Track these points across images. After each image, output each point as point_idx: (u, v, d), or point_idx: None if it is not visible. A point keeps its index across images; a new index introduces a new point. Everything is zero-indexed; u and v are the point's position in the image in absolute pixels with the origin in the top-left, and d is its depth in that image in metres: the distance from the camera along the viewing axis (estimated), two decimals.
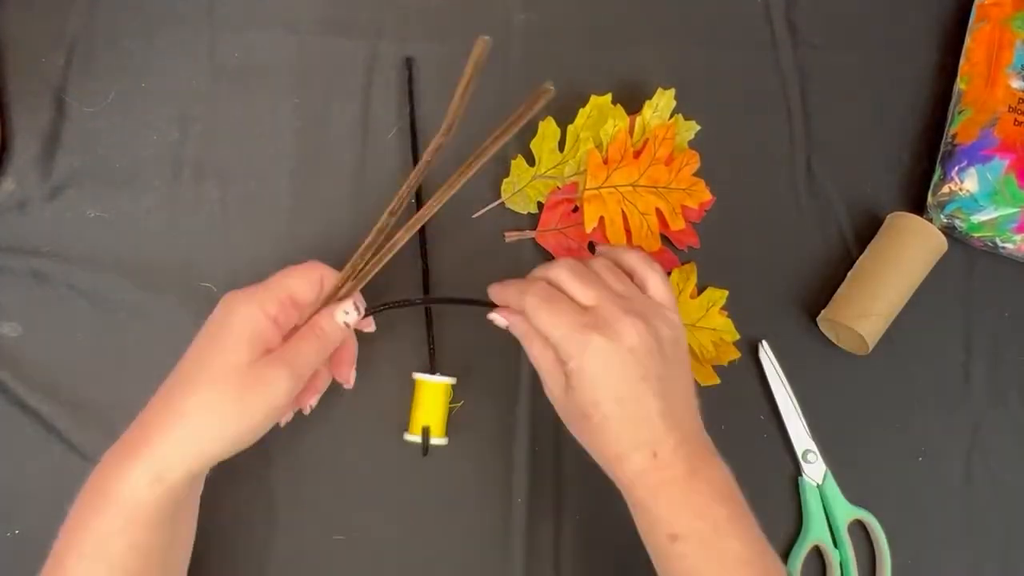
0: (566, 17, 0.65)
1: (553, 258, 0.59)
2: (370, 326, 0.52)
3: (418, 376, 0.55)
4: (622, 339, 0.44)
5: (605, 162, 0.59)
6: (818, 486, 0.57)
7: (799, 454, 0.58)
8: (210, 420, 0.42)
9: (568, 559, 0.56)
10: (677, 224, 0.59)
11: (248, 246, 0.58)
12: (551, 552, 0.56)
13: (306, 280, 0.46)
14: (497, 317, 0.49)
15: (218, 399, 0.41)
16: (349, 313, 0.47)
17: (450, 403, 0.56)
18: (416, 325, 0.57)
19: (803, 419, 0.58)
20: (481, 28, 0.64)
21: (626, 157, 0.59)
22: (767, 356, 0.59)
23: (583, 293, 0.46)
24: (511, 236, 0.60)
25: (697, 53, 0.65)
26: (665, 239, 0.60)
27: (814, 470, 0.58)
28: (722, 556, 0.43)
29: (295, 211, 0.59)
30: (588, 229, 0.58)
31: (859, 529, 0.58)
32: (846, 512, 0.57)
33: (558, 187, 0.60)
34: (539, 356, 0.47)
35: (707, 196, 0.60)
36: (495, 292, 0.50)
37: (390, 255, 0.49)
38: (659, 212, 0.59)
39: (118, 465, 0.41)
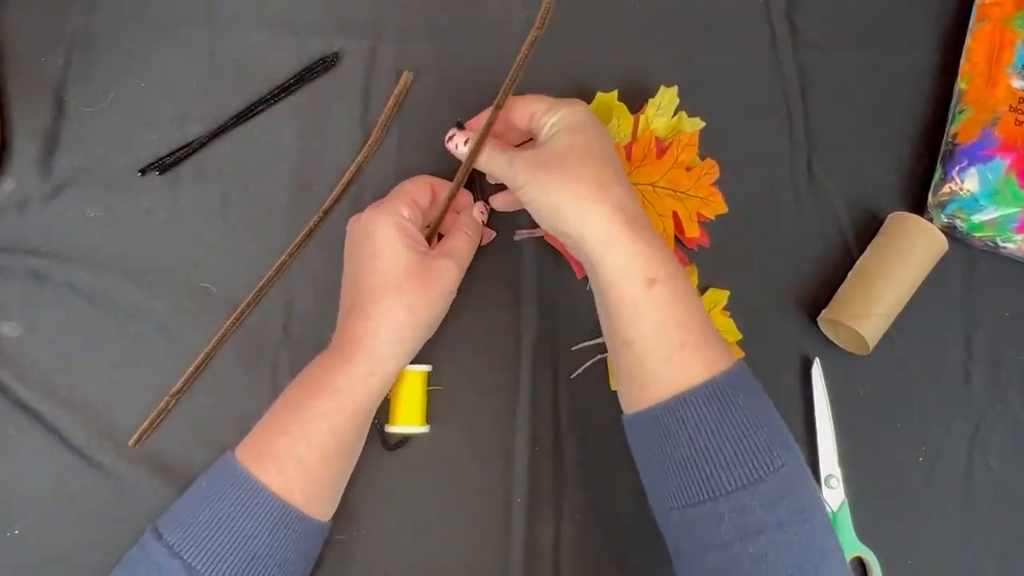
0: (566, 17, 0.65)
1: (560, 256, 0.59)
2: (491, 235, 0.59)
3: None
4: (579, 106, 0.51)
5: (628, 159, 0.59)
6: (833, 513, 0.57)
7: (823, 477, 0.58)
8: (404, 316, 0.48)
9: (568, 559, 0.55)
10: (692, 231, 0.59)
11: (248, 246, 0.58)
12: (551, 552, 0.55)
13: (419, 186, 0.54)
14: (457, 135, 0.52)
15: (407, 296, 0.48)
16: (484, 213, 0.57)
17: (428, 389, 0.56)
18: None
19: (836, 444, 0.58)
20: (481, 28, 0.64)
21: (649, 156, 0.59)
22: (818, 375, 0.59)
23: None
24: (521, 234, 0.60)
25: (697, 53, 0.65)
26: (676, 239, 0.60)
27: (833, 496, 0.58)
28: (691, 304, 0.46)
29: (295, 211, 0.59)
30: None
31: (859, 567, 0.57)
32: (851, 547, 0.57)
33: None
34: (499, 147, 0.51)
35: (723, 208, 0.60)
36: (471, 122, 0.54)
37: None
38: (675, 216, 0.59)
39: (335, 366, 0.48)
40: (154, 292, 0.57)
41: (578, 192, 0.47)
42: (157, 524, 0.45)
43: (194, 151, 0.59)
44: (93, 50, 0.60)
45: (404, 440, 0.56)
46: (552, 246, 0.60)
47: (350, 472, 0.51)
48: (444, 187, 0.55)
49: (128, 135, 0.59)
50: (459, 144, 0.52)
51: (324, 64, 0.61)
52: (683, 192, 0.60)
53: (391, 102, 0.60)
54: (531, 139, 0.55)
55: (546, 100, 0.52)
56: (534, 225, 0.60)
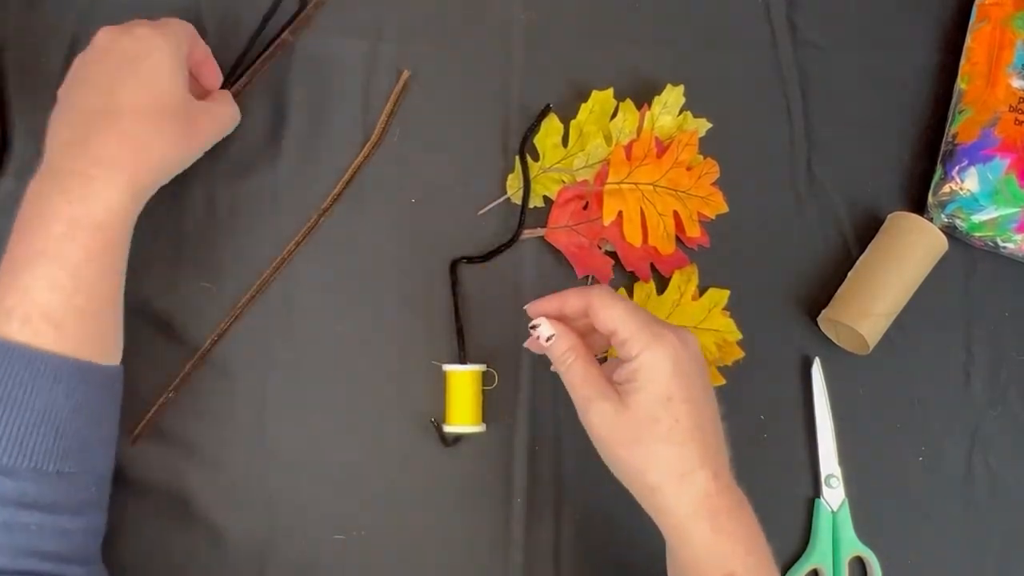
0: (567, 17, 0.65)
1: (562, 256, 0.59)
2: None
3: (448, 368, 0.55)
4: (688, 343, 0.44)
5: (628, 158, 0.59)
6: (832, 513, 0.57)
7: (822, 476, 0.58)
8: (156, 138, 0.46)
9: (568, 559, 0.56)
10: (693, 231, 0.59)
11: (248, 246, 0.58)
12: (551, 552, 0.56)
13: (191, 33, 0.51)
14: (544, 326, 0.46)
15: (161, 122, 0.46)
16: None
17: (484, 387, 0.56)
18: (418, 317, 0.57)
19: (836, 444, 0.58)
20: (481, 28, 0.64)
21: (649, 156, 0.59)
22: (818, 374, 0.59)
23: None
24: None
25: (697, 53, 0.65)
26: (677, 239, 0.60)
27: (833, 496, 0.58)
28: None
29: (295, 211, 0.59)
30: (607, 222, 0.58)
31: (858, 567, 0.58)
32: (851, 546, 0.57)
33: (563, 183, 0.60)
34: (582, 371, 0.44)
35: (723, 207, 0.60)
36: (538, 304, 0.48)
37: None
38: (676, 215, 0.59)
39: (88, 198, 0.43)
40: (154, 292, 0.57)
41: (656, 482, 0.42)
42: None
43: None
44: None
45: (459, 437, 0.56)
46: (553, 245, 0.60)
47: (121, 306, 0.47)
48: (207, 57, 0.54)
49: None
50: (544, 337, 0.46)
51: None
52: (684, 191, 0.60)
53: (391, 101, 0.60)
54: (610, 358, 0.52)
55: (630, 323, 0.43)
56: (535, 225, 0.60)
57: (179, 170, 0.49)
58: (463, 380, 0.55)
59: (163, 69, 0.47)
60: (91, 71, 0.47)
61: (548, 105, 0.61)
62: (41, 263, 0.42)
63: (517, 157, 0.60)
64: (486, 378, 0.56)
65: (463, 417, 0.55)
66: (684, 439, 0.42)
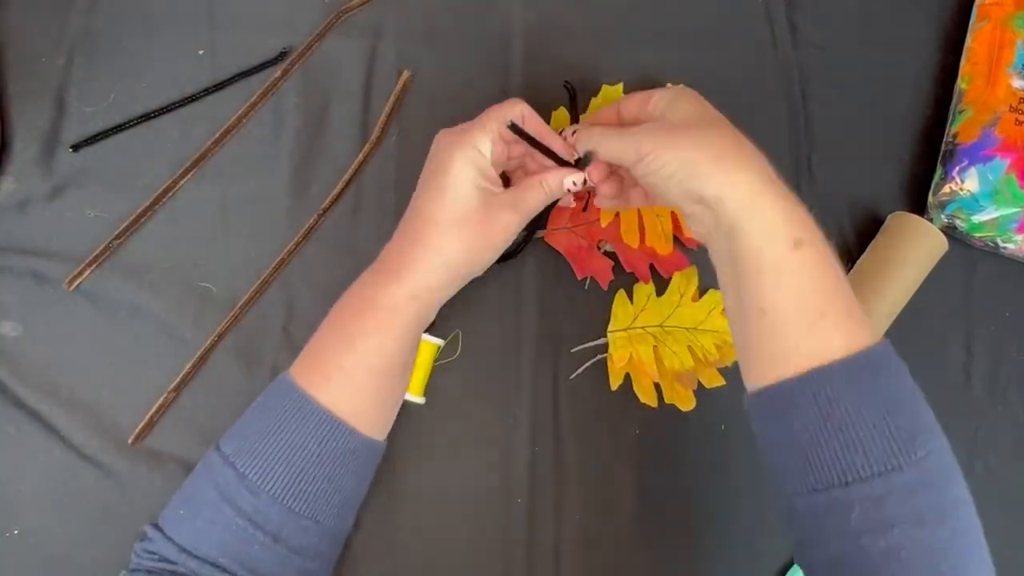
0: (566, 17, 0.65)
1: (563, 257, 0.59)
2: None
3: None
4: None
5: None
6: None
7: None
8: (459, 252, 0.48)
9: (568, 559, 0.55)
10: (689, 232, 0.59)
11: (248, 246, 0.58)
12: (551, 552, 0.55)
13: (510, 115, 0.50)
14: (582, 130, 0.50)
15: (465, 235, 0.48)
16: (576, 184, 0.51)
17: (436, 362, 0.56)
18: None
19: None
20: (481, 28, 0.64)
21: None
22: None
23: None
24: (568, 132, 0.59)
25: (697, 53, 0.65)
26: (675, 239, 0.60)
27: None
28: (835, 266, 0.43)
29: (295, 211, 0.59)
30: (604, 223, 0.58)
31: None
32: None
33: None
34: (610, 133, 0.48)
35: None
36: (590, 126, 0.51)
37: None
38: (674, 216, 0.59)
39: (381, 286, 0.48)
40: (154, 292, 0.57)
41: (716, 152, 0.44)
42: (220, 440, 0.46)
43: (125, 128, 0.59)
44: (93, 50, 0.60)
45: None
46: (553, 247, 0.60)
47: (399, 397, 0.51)
48: (536, 120, 0.51)
49: (128, 135, 0.59)
50: (567, 135, 0.51)
51: (274, 60, 0.61)
52: None
53: (390, 101, 0.60)
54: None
55: (647, 92, 0.50)
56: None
57: (479, 269, 0.51)
58: (421, 349, 0.54)
59: (454, 183, 0.48)
60: (422, 173, 0.51)
61: (571, 86, 0.59)
62: (331, 331, 0.48)
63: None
64: (446, 351, 0.56)
65: (410, 386, 0.54)
66: (724, 125, 0.47)
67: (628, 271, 0.59)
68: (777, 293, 0.42)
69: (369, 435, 0.47)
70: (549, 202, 0.52)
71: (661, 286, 0.60)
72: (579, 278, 0.59)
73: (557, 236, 0.60)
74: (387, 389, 0.49)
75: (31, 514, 0.53)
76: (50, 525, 0.53)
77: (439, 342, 0.55)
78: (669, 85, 0.50)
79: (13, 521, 0.52)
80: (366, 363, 0.47)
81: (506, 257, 0.57)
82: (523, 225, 0.51)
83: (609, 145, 0.48)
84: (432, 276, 0.48)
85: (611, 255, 0.60)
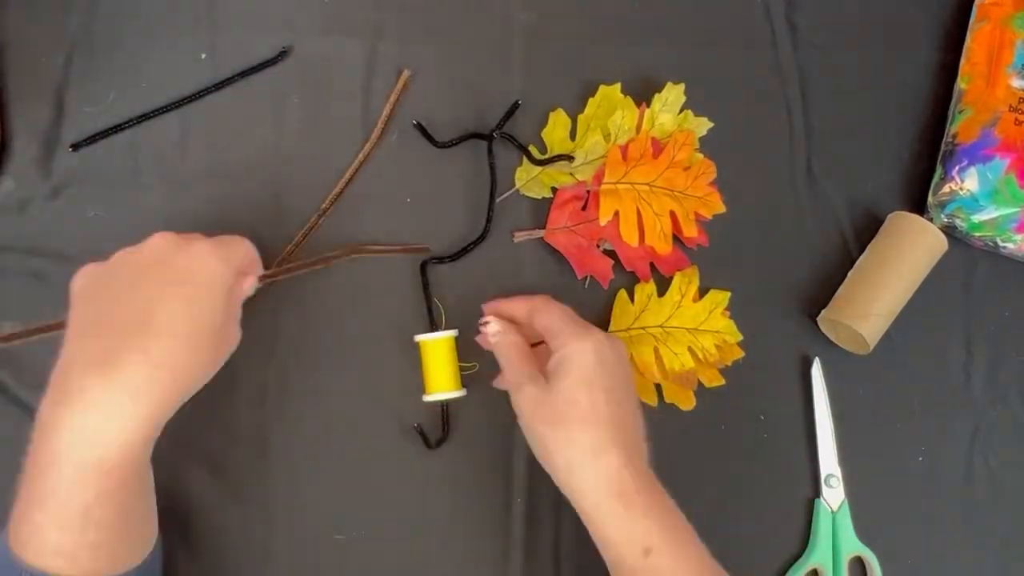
0: (566, 17, 0.65)
1: (562, 257, 0.59)
2: None
3: (420, 337, 0.55)
4: (615, 344, 0.50)
5: (625, 158, 0.59)
6: (832, 513, 0.57)
7: (822, 476, 0.58)
8: (190, 370, 0.43)
9: (568, 559, 0.55)
10: (691, 231, 0.59)
11: None
12: (551, 552, 0.55)
13: (251, 251, 0.50)
14: (492, 323, 0.52)
15: (199, 351, 0.43)
16: (254, 286, 0.50)
17: (460, 361, 0.56)
18: (420, 317, 0.57)
19: (836, 444, 0.58)
20: (481, 28, 0.64)
21: (645, 156, 0.59)
22: (818, 375, 0.59)
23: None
24: (519, 236, 0.60)
25: (697, 53, 0.65)
26: (674, 238, 0.60)
27: (833, 496, 0.58)
28: (691, 564, 0.44)
29: (295, 211, 0.59)
30: (603, 222, 0.58)
31: (858, 567, 0.58)
32: (851, 546, 0.57)
33: (554, 188, 0.60)
34: (517, 360, 0.50)
35: (721, 208, 0.60)
36: (493, 305, 0.54)
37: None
38: (673, 215, 0.59)
39: (106, 422, 0.40)
40: None
41: (571, 459, 0.45)
42: None
43: (125, 128, 0.59)
44: (93, 50, 0.60)
45: (445, 438, 0.56)
46: (553, 247, 0.60)
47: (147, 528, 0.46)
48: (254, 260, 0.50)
49: (128, 135, 0.59)
50: (490, 332, 0.52)
51: (274, 59, 0.61)
52: (680, 192, 0.60)
53: (390, 101, 0.60)
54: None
55: (560, 321, 0.49)
56: (534, 227, 0.60)
57: (197, 389, 0.45)
58: (436, 348, 0.55)
59: (212, 296, 0.44)
60: (133, 279, 0.43)
61: (517, 102, 0.61)
62: (50, 504, 0.40)
63: (522, 153, 0.60)
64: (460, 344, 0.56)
65: (441, 384, 0.54)
66: (600, 421, 0.46)
67: (628, 270, 0.59)
68: None
69: (131, 564, 0.43)
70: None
71: (662, 286, 0.60)
72: (579, 277, 0.59)
73: (557, 236, 0.59)
74: (138, 528, 0.44)
75: None
76: None
77: (453, 333, 0.55)
78: (569, 329, 0.49)
79: None
80: (109, 527, 0.41)
81: (460, 254, 0.58)
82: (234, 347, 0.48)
83: (505, 374, 0.51)
84: (165, 406, 0.43)
85: (611, 254, 0.60)
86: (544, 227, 0.60)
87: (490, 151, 0.60)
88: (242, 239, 0.49)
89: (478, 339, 0.54)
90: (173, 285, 0.43)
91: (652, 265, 0.60)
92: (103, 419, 0.40)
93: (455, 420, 0.57)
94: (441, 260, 0.58)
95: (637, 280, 0.60)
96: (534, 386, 0.48)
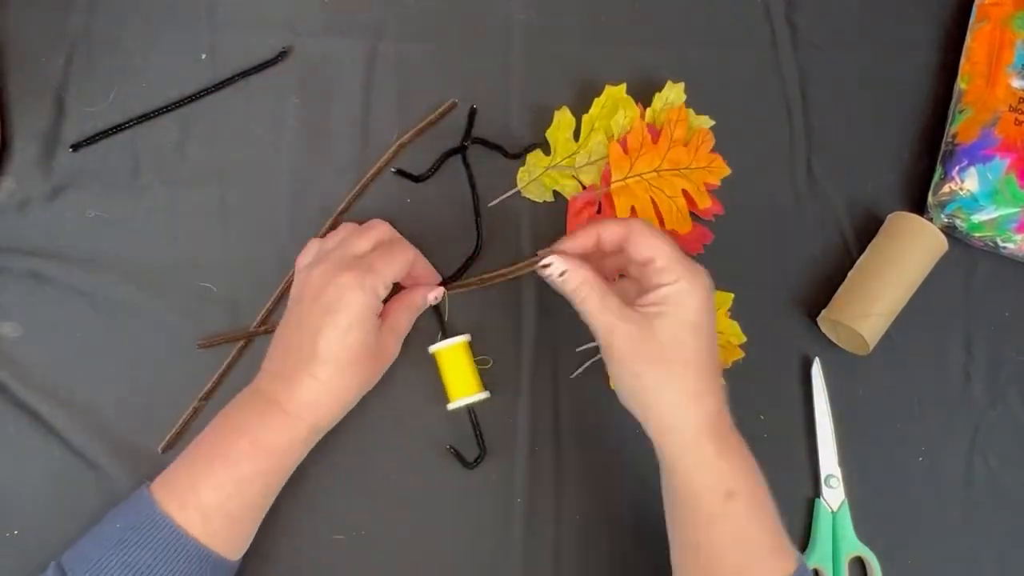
0: (566, 17, 0.65)
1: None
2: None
3: (434, 348, 0.55)
4: (711, 286, 0.47)
5: (626, 151, 0.59)
6: (832, 513, 0.57)
7: (822, 476, 0.58)
8: (356, 388, 0.50)
9: (568, 559, 0.55)
10: (704, 202, 0.59)
11: (248, 246, 0.58)
12: (551, 552, 0.55)
13: (403, 266, 0.52)
14: (556, 263, 0.47)
15: (363, 372, 0.50)
16: (437, 298, 0.55)
17: (476, 359, 0.56)
18: (422, 315, 0.57)
19: (836, 444, 0.58)
20: (481, 28, 0.64)
21: (645, 144, 0.59)
22: (818, 375, 0.59)
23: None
24: (543, 253, 0.59)
25: (697, 53, 0.65)
26: (692, 216, 0.61)
27: (833, 496, 0.58)
28: (763, 517, 0.45)
29: (295, 211, 0.59)
30: None
31: (858, 567, 0.58)
32: (851, 546, 0.57)
33: (556, 191, 0.60)
34: (601, 297, 0.45)
35: (726, 170, 0.60)
36: (570, 242, 0.48)
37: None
38: (685, 192, 0.59)
39: (279, 428, 0.48)
40: (154, 292, 0.57)
41: (673, 399, 0.45)
42: (62, 562, 0.44)
43: (125, 128, 0.59)
44: (93, 50, 0.60)
45: (482, 456, 0.56)
46: None
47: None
48: (425, 269, 0.55)
49: (128, 135, 0.59)
50: (556, 274, 0.47)
51: (274, 59, 0.61)
52: (686, 168, 0.60)
53: (423, 123, 0.61)
54: (623, 276, 0.52)
55: (669, 253, 0.46)
56: (554, 241, 0.60)
57: (359, 398, 0.52)
58: (452, 355, 0.55)
59: (361, 324, 0.48)
60: (303, 312, 0.49)
61: (473, 107, 0.61)
62: (217, 465, 0.47)
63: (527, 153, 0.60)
64: (474, 347, 0.56)
65: (463, 390, 0.55)
66: (704, 364, 0.45)
67: None
68: (710, 534, 0.45)
69: (233, 559, 0.48)
70: (417, 315, 0.55)
71: None
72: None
73: None
74: (261, 517, 0.49)
75: (31, 514, 0.53)
76: (49, 526, 0.53)
77: (466, 338, 0.55)
78: (676, 261, 0.46)
79: (13, 521, 0.52)
80: (250, 503, 0.48)
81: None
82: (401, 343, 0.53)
83: (591, 315, 0.46)
84: (328, 417, 0.50)
85: None
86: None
87: (465, 163, 0.60)
88: (405, 250, 0.53)
89: (543, 272, 0.48)
90: (329, 316, 0.48)
91: None
92: (281, 417, 0.48)
93: (456, 418, 0.56)
94: (444, 283, 0.57)
95: None
96: (632, 325, 0.45)
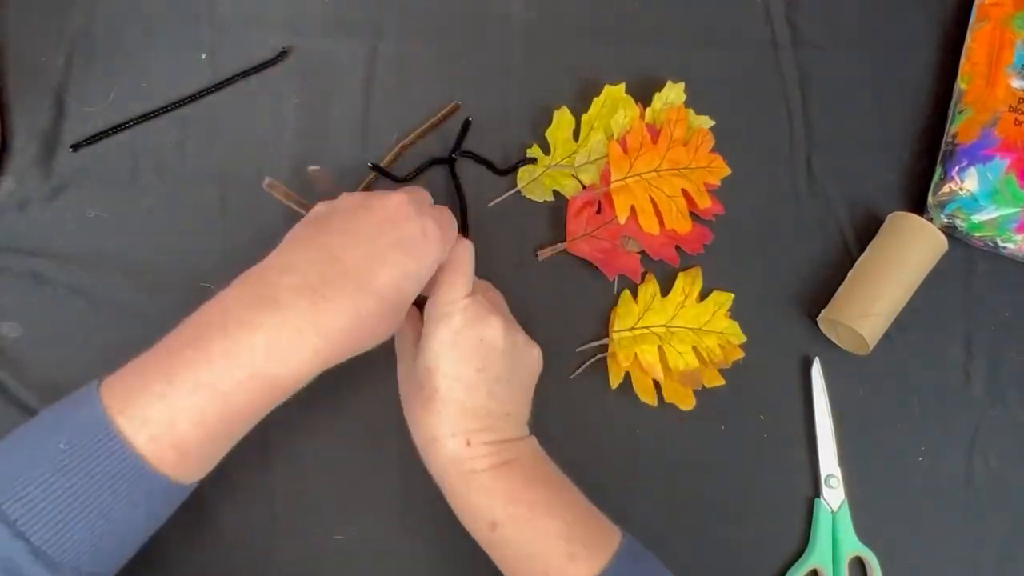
0: (566, 16, 0.65)
1: (589, 264, 0.59)
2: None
3: None
4: (484, 328, 0.47)
5: (625, 151, 0.59)
6: (832, 513, 0.57)
7: (822, 476, 0.58)
8: (376, 333, 0.44)
9: None
10: (704, 202, 0.59)
11: (248, 246, 0.58)
12: None
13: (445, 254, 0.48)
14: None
15: (390, 323, 0.45)
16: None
17: None
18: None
19: (836, 444, 0.58)
20: (481, 28, 0.64)
21: (644, 144, 0.59)
22: (818, 375, 0.59)
23: (473, 279, 0.49)
24: (543, 253, 0.60)
25: (697, 53, 0.65)
26: (692, 215, 0.61)
27: (833, 496, 0.58)
28: (540, 535, 0.45)
29: (295, 211, 0.59)
30: (622, 220, 0.58)
31: (858, 567, 0.58)
32: (851, 546, 0.57)
33: (556, 191, 0.60)
34: (408, 316, 0.48)
35: (726, 170, 0.61)
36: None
37: None
38: (685, 192, 0.59)
39: (294, 346, 0.40)
40: (154, 292, 0.57)
41: (420, 436, 0.47)
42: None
43: (125, 128, 0.59)
44: (93, 50, 0.60)
45: None
46: (577, 256, 0.60)
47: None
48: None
49: (128, 135, 0.59)
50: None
51: (274, 59, 0.61)
52: (686, 167, 0.60)
53: (425, 125, 0.61)
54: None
55: (452, 287, 0.47)
56: (555, 241, 0.60)
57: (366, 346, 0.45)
58: None
59: (424, 277, 0.45)
60: (361, 229, 0.44)
61: (468, 119, 0.61)
62: (203, 395, 0.39)
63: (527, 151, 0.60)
64: None
65: None
66: (439, 409, 0.46)
67: (657, 259, 0.60)
68: (497, 558, 0.46)
69: (193, 481, 0.41)
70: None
71: (666, 286, 0.60)
72: (611, 279, 0.59)
73: (578, 244, 0.59)
74: (231, 445, 0.43)
75: None
76: None
77: None
78: (449, 297, 0.47)
79: None
80: (230, 437, 0.41)
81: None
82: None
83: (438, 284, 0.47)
84: (339, 357, 0.42)
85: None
86: (564, 239, 0.60)
87: (453, 174, 0.60)
88: (456, 240, 0.49)
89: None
90: (401, 251, 0.43)
91: (678, 248, 0.60)
92: (296, 340, 0.40)
93: None
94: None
95: (666, 268, 0.60)
96: (406, 363, 0.48)
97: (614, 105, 0.61)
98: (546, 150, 0.61)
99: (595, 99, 0.61)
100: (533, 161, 0.60)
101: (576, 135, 0.61)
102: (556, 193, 0.61)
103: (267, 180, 0.49)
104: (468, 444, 0.46)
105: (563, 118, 0.60)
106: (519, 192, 0.60)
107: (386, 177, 0.59)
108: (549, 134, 0.61)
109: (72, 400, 0.40)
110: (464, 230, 0.59)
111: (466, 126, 0.60)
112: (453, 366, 0.46)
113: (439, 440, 0.46)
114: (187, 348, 0.40)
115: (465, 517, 0.47)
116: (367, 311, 0.42)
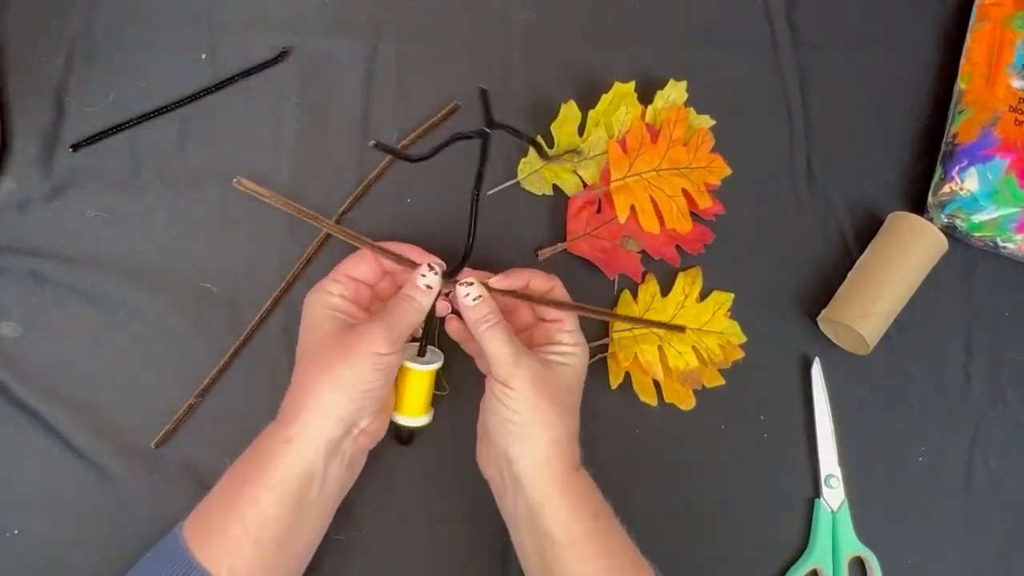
0: (566, 16, 0.65)
1: (589, 264, 0.59)
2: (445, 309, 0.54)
3: (408, 364, 0.53)
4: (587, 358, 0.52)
5: (625, 151, 0.59)
6: (832, 513, 0.57)
7: (822, 476, 0.58)
8: (328, 386, 0.46)
9: None
10: (704, 202, 0.59)
11: (248, 246, 0.58)
12: None
13: (357, 262, 0.51)
14: (476, 286, 0.50)
15: (330, 366, 0.46)
16: (426, 276, 0.50)
17: (436, 389, 0.55)
18: None
19: (836, 444, 0.58)
20: (481, 28, 0.64)
21: (644, 144, 0.59)
22: (818, 375, 0.59)
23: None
24: (544, 253, 0.60)
25: (697, 53, 0.65)
26: (693, 215, 0.60)
27: (833, 496, 0.58)
28: (622, 530, 0.49)
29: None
30: (622, 219, 0.58)
31: (858, 567, 0.58)
32: (851, 546, 0.57)
33: (555, 185, 0.60)
34: (508, 329, 0.49)
35: (726, 170, 0.60)
36: (505, 279, 0.51)
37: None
38: (685, 192, 0.59)
39: (271, 435, 0.47)
40: (154, 292, 0.57)
41: (553, 437, 0.48)
42: None
43: (125, 128, 0.59)
44: (93, 50, 0.60)
45: (411, 435, 0.55)
46: (577, 255, 0.60)
47: (296, 565, 0.48)
48: (388, 260, 0.51)
49: (128, 135, 0.59)
50: (474, 295, 0.49)
51: (274, 59, 0.61)
52: (686, 167, 0.60)
53: (427, 124, 0.61)
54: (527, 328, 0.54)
55: (576, 320, 0.52)
56: (556, 240, 0.60)
57: (359, 398, 0.46)
58: (420, 378, 0.53)
59: (310, 320, 0.49)
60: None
61: (484, 89, 0.57)
62: (249, 514, 0.45)
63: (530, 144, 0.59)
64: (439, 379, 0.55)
65: (413, 410, 0.53)
66: (574, 413, 0.50)
67: (657, 258, 0.60)
68: (581, 552, 0.46)
69: None
70: (420, 309, 0.49)
71: (666, 286, 0.60)
72: (611, 278, 0.59)
73: (578, 244, 0.59)
74: (272, 557, 0.46)
75: (31, 514, 0.53)
76: (50, 526, 0.53)
77: (437, 365, 0.53)
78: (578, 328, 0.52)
79: (13, 521, 0.52)
80: (251, 531, 0.45)
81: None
82: (392, 333, 0.47)
83: (494, 346, 0.48)
84: (315, 426, 0.46)
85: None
86: (564, 239, 0.60)
87: (484, 152, 0.49)
88: (347, 259, 0.52)
89: (442, 305, 0.52)
90: (302, 325, 0.50)
91: (678, 247, 0.60)
92: (281, 440, 0.46)
93: (456, 418, 0.56)
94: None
95: (666, 268, 0.60)
96: (535, 359, 0.49)
97: (619, 103, 0.61)
98: (550, 144, 0.61)
99: (603, 95, 0.60)
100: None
101: (581, 130, 0.61)
102: (555, 188, 0.61)
103: (235, 178, 0.49)
104: (575, 453, 0.50)
105: (570, 112, 0.60)
106: (518, 183, 0.60)
107: (397, 157, 0.53)
108: (554, 128, 0.60)
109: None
110: (473, 221, 0.57)
111: (485, 95, 0.49)
112: (579, 384, 0.51)
113: (570, 443, 0.49)
114: (236, 483, 0.47)
115: (571, 510, 0.47)
116: (298, 376, 0.48)
